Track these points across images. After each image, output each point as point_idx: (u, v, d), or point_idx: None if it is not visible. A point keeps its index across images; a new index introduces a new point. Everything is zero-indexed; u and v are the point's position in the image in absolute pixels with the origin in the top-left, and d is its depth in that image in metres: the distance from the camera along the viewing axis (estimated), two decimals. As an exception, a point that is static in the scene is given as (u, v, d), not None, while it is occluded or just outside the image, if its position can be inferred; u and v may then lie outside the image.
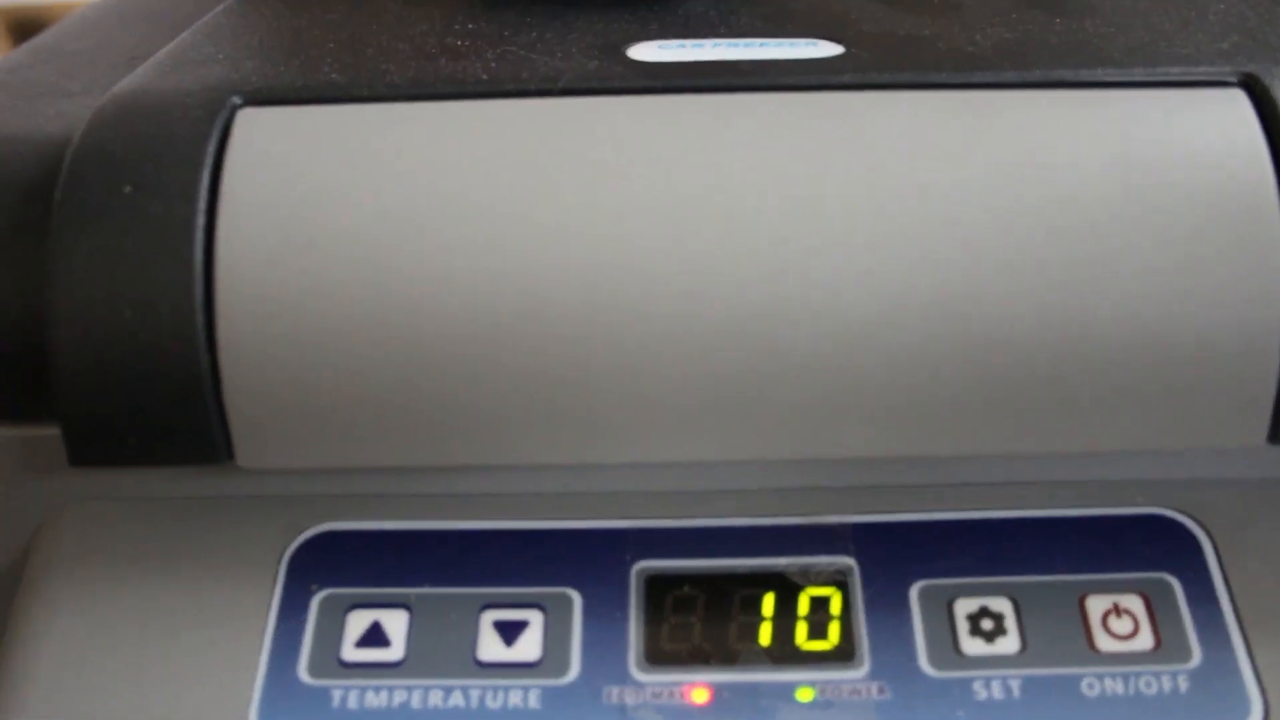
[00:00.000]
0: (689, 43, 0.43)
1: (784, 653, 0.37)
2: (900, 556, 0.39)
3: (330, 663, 0.37)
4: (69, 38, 0.52)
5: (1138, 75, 0.38)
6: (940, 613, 0.38)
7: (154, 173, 0.35)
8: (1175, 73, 0.38)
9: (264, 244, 0.35)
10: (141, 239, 0.35)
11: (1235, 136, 0.36)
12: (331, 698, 0.37)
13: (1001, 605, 0.38)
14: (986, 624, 0.38)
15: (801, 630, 0.38)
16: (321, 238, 0.35)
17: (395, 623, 0.38)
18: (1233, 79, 0.38)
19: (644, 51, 0.42)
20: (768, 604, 0.38)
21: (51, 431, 0.38)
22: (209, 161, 0.36)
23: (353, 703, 0.37)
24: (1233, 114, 0.37)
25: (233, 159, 0.36)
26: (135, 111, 0.37)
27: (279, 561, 0.39)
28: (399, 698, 0.37)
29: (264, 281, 0.35)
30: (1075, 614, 0.38)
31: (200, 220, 0.35)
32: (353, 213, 0.35)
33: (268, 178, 0.36)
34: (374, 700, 0.37)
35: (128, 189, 0.35)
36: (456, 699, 0.37)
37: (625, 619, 0.38)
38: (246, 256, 0.35)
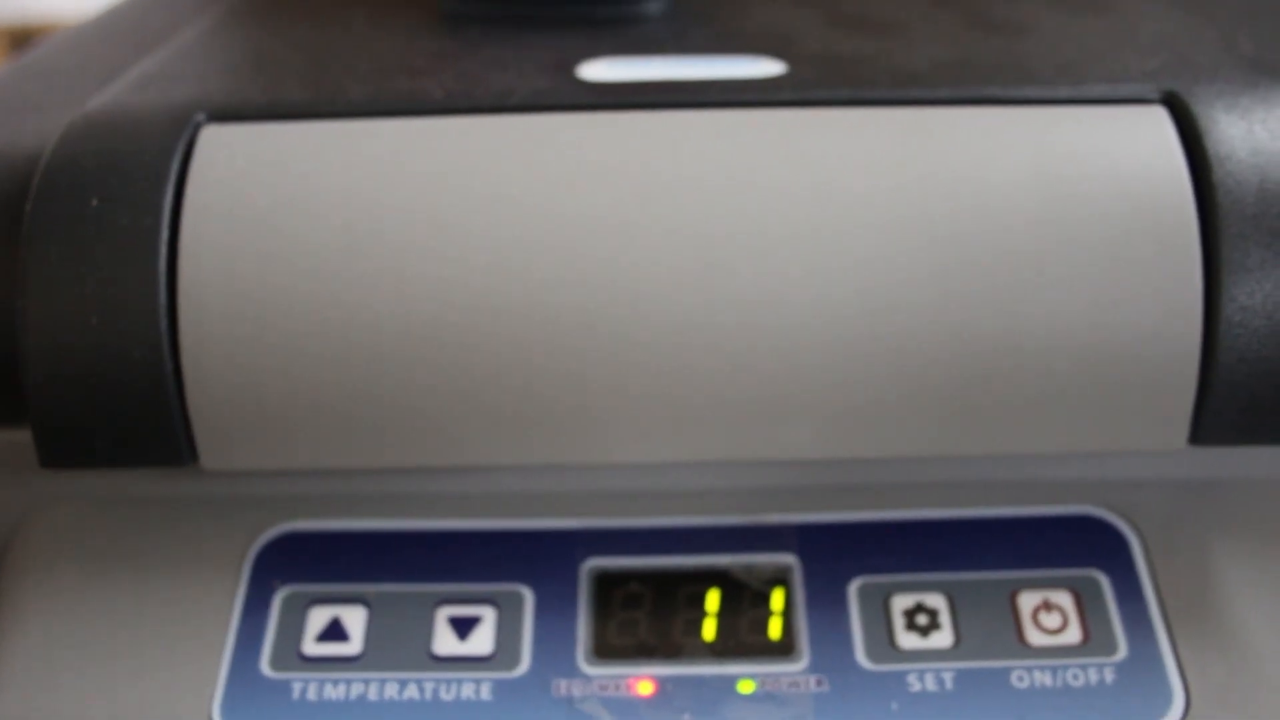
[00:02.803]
0: (638, 61, 0.44)
1: (726, 647, 0.39)
2: (840, 555, 0.40)
3: (291, 657, 0.39)
4: (52, 57, 0.54)
5: (1067, 93, 0.40)
6: (877, 608, 0.39)
7: (120, 186, 0.37)
8: (1101, 91, 0.40)
9: (225, 254, 0.37)
10: (107, 249, 0.36)
11: (1156, 152, 0.38)
12: (292, 690, 0.38)
13: (936, 601, 0.40)
14: (921, 619, 0.39)
15: (744, 626, 0.39)
16: (281, 248, 0.37)
17: (354, 619, 0.40)
18: (1154, 97, 0.39)
19: (594, 70, 0.44)
20: (712, 600, 0.40)
21: (24, 435, 0.39)
22: (173, 176, 0.37)
23: (312, 695, 0.38)
24: (1154, 130, 0.38)
25: (196, 173, 0.38)
26: (103, 127, 0.39)
27: (243, 560, 0.41)
28: (356, 690, 0.38)
29: (225, 290, 0.37)
30: (1007, 609, 0.39)
31: (164, 232, 0.37)
32: (311, 225, 0.37)
33: (229, 191, 0.37)
34: (333, 692, 0.38)
35: (95, 202, 0.37)
36: (411, 691, 0.38)
37: (575, 615, 0.40)
38: (208, 266, 0.37)
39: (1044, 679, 0.38)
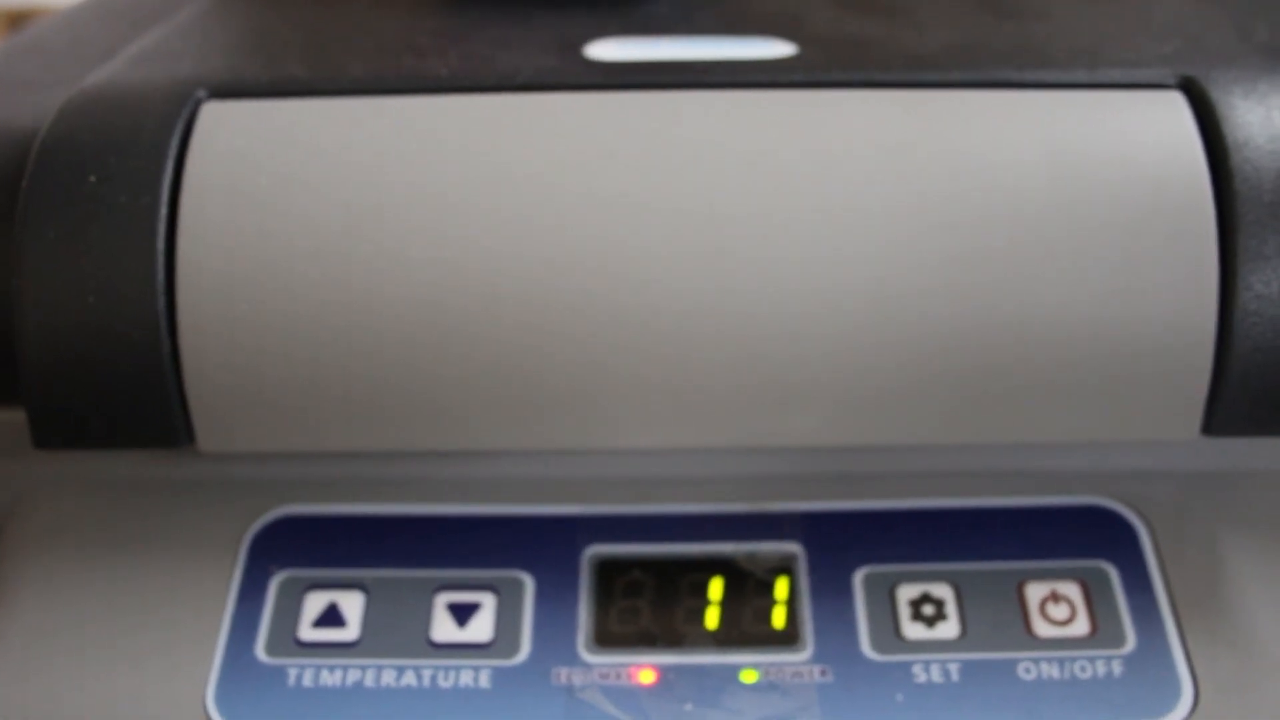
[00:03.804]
0: (646, 41, 0.44)
1: (729, 636, 0.38)
2: (845, 543, 0.40)
3: (288, 642, 0.38)
4: (50, 35, 0.53)
5: (1081, 77, 0.39)
6: (883, 598, 0.39)
7: (118, 163, 0.36)
8: (1116, 75, 0.39)
9: (225, 233, 0.36)
10: (105, 228, 0.36)
11: (1172, 138, 0.37)
12: (288, 676, 0.38)
13: (942, 591, 0.39)
14: (928, 609, 0.39)
15: (747, 614, 0.39)
16: (281, 227, 0.36)
17: (352, 604, 0.39)
18: (1171, 82, 0.39)
19: (601, 50, 0.43)
20: (715, 588, 0.39)
21: (19, 416, 0.39)
22: (172, 153, 0.37)
23: (308, 681, 0.38)
24: (1170, 116, 0.38)
25: (196, 151, 0.37)
26: (102, 104, 0.38)
27: (240, 544, 0.40)
28: (353, 677, 0.38)
29: (224, 270, 0.36)
30: (1014, 600, 0.39)
31: (163, 210, 0.36)
32: (312, 203, 0.36)
33: (230, 169, 0.37)
34: (329, 679, 0.38)
35: (93, 179, 0.36)
36: (409, 678, 0.38)
37: (575, 602, 0.39)
38: (207, 245, 0.36)
39: (1051, 671, 0.37)
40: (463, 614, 0.39)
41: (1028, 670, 0.37)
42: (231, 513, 0.41)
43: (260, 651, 0.38)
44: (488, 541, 0.40)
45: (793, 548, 0.40)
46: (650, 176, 0.37)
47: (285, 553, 0.40)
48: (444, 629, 0.39)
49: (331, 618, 0.39)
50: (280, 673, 0.38)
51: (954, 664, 0.38)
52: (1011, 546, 0.40)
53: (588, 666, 0.38)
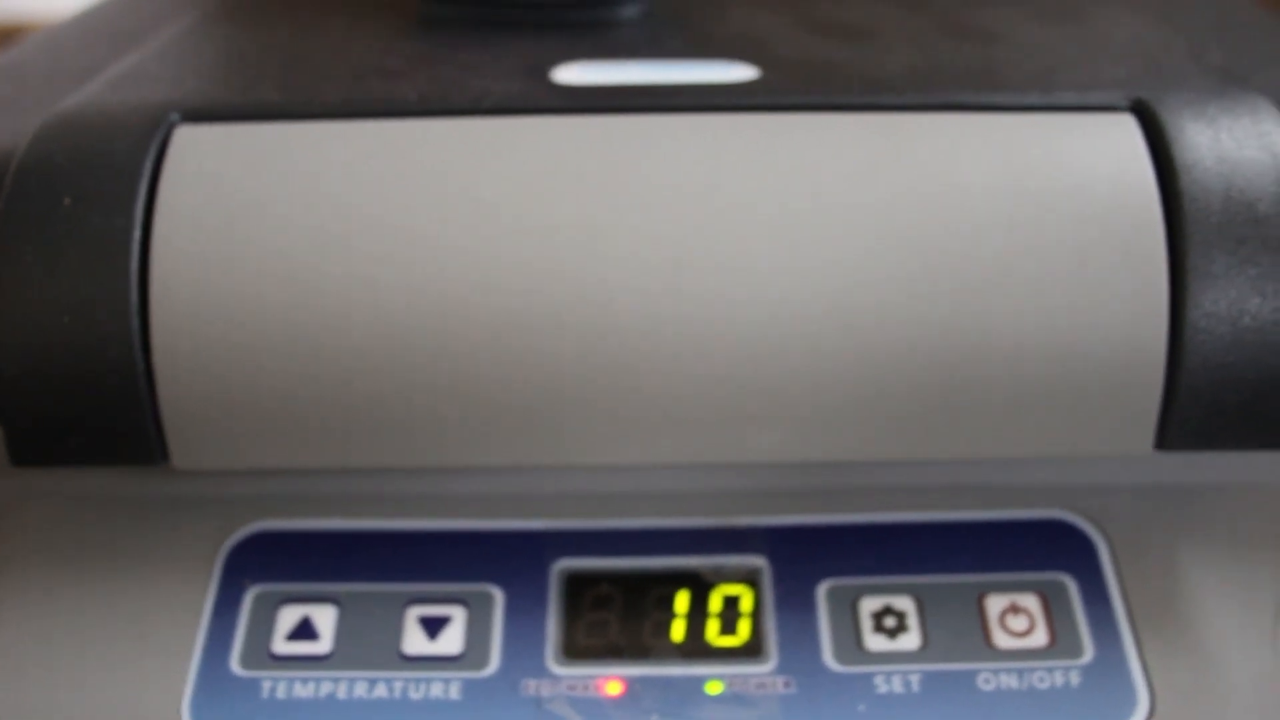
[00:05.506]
0: (612, 65, 0.45)
1: (695, 648, 0.39)
2: (809, 557, 0.41)
3: (261, 655, 0.39)
4: (29, 56, 0.54)
5: (1036, 100, 0.40)
6: (846, 610, 0.40)
7: (93, 185, 0.37)
8: (1070, 98, 0.40)
9: (197, 254, 0.37)
10: (80, 249, 0.36)
11: (1124, 159, 0.38)
12: (261, 688, 0.38)
13: (904, 604, 0.40)
14: (889, 621, 0.39)
15: (713, 627, 0.40)
16: (252, 249, 0.37)
17: (324, 617, 0.40)
18: (1123, 105, 0.40)
19: (568, 74, 0.44)
20: (681, 601, 0.40)
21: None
22: (146, 175, 0.37)
23: (281, 693, 0.38)
24: (1122, 138, 0.38)
25: (169, 173, 0.38)
26: (77, 127, 0.39)
27: (214, 559, 0.41)
28: (326, 688, 0.38)
29: (197, 291, 0.37)
30: (974, 612, 0.40)
31: (136, 232, 0.37)
32: (283, 225, 0.37)
33: (202, 191, 0.37)
34: (302, 691, 0.38)
35: (67, 201, 0.37)
36: (381, 690, 0.38)
37: (544, 615, 0.40)
38: (180, 266, 0.37)
39: (1010, 681, 0.38)
40: (433, 627, 0.39)
41: (987, 681, 0.38)
42: (207, 528, 0.41)
43: (235, 664, 0.39)
44: (458, 556, 0.41)
45: (757, 561, 0.41)
46: (614, 199, 0.37)
47: (260, 567, 0.41)
48: (415, 642, 0.39)
49: (305, 631, 0.39)
50: (254, 685, 0.38)
51: (915, 675, 0.38)
52: (972, 560, 0.40)
53: (556, 678, 0.38)
